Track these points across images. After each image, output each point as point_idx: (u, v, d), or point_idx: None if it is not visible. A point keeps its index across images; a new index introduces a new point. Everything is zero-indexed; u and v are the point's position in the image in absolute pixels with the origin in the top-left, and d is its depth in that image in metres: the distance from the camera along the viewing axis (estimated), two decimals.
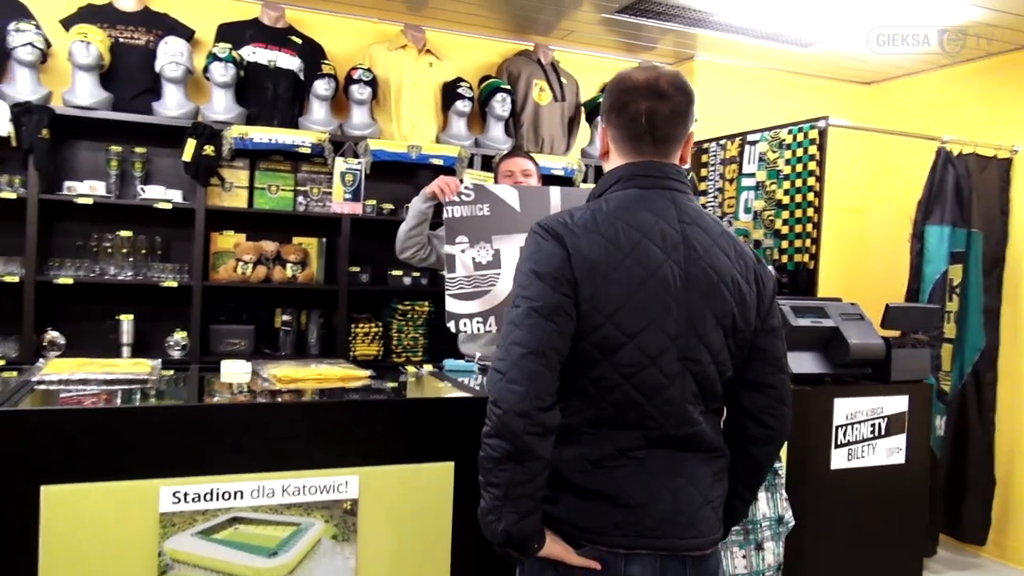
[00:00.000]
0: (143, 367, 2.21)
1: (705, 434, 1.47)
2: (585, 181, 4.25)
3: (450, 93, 4.08)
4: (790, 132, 3.96)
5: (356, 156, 3.81)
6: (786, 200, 3.95)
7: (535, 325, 1.33)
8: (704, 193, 4.51)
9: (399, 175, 4.16)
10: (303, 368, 2.31)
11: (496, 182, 3.02)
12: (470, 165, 4.00)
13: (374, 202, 3.95)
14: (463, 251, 2.70)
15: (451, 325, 2.70)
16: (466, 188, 2.74)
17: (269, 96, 3.78)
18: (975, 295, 4.18)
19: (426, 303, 3.98)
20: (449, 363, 2.58)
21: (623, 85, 1.49)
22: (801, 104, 4.90)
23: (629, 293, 1.38)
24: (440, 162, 3.93)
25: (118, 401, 1.89)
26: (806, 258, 3.85)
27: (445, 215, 2.73)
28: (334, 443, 1.93)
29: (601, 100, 1.55)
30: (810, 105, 4.88)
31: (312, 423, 1.93)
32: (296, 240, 3.94)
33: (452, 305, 2.70)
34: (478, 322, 2.69)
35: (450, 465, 2.01)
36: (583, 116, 4.50)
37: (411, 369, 2.55)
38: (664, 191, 1.48)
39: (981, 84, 4.49)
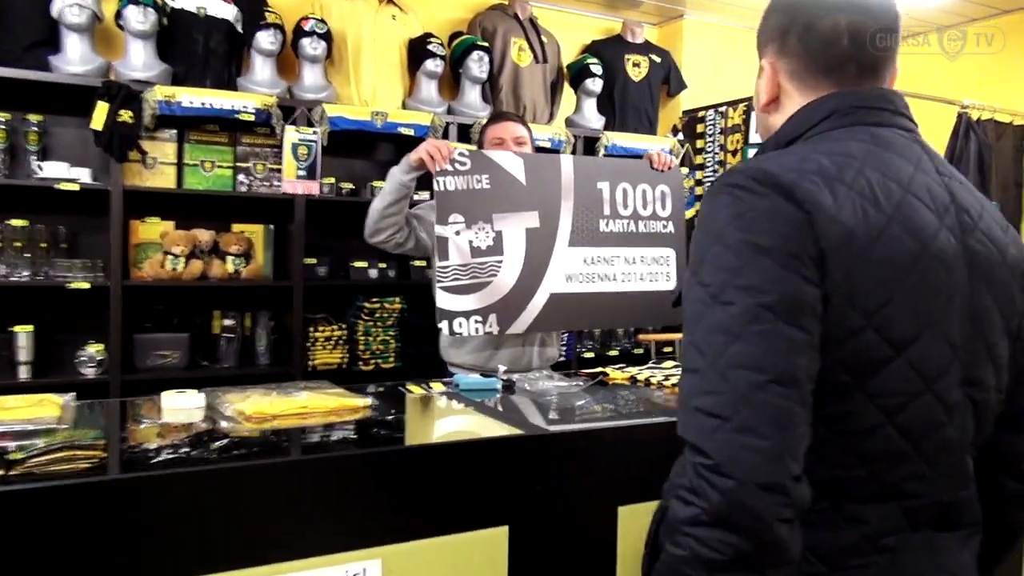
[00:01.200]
0: (49, 409, 1.55)
1: (972, 500, 0.97)
2: (574, 153, 3.70)
3: (418, 51, 3.45)
4: None
5: (311, 125, 3.16)
6: None
7: (771, 332, 0.80)
8: (702, 167, 4.03)
9: (360, 148, 3.52)
10: (278, 398, 1.68)
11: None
12: (444, 135, 3.40)
13: (332, 180, 3.30)
14: (458, 233, 2.16)
15: (443, 325, 2.17)
16: (461, 155, 2.19)
17: (199, 50, 3.08)
18: None
19: (397, 299, 3.37)
20: (462, 380, 2.00)
21: None
22: None
23: (898, 278, 0.85)
24: (410, 132, 3.32)
25: (12, 473, 1.24)
26: None
27: (436, 188, 2.18)
28: (343, 515, 1.34)
29: (765, 22, 1.03)
30: None
31: (309, 488, 1.33)
32: (237, 228, 3.25)
33: (444, 300, 2.17)
34: (476, 321, 2.18)
35: (503, 531, 1.45)
36: (566, 80, 3.95)
37: (414, 388, 1.95)
38: (904, 132, 0.97)
39: (969, 49, 4.16)
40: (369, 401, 1.74)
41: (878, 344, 0.84)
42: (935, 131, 3.91)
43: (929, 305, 0.86)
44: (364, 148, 3.54)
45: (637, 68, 4.07)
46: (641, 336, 3.89)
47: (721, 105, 3.95)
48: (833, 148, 0.91)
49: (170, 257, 3.02)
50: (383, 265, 3.42)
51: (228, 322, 3.20)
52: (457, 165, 2.18)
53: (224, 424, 1.55)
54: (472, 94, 3.58)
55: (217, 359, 3.19)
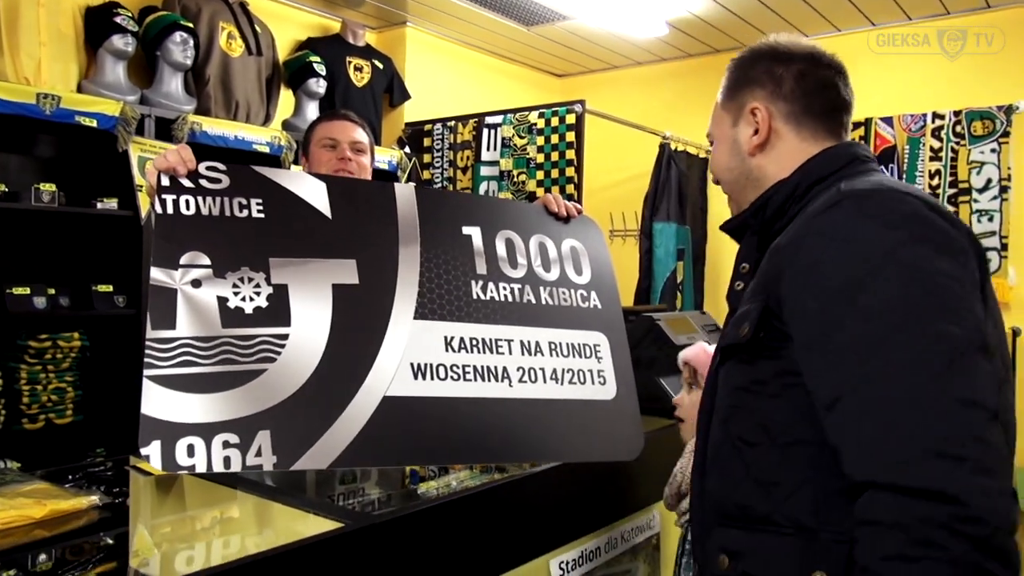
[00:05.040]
0: None
1: None
2: (296, 163, 3.26)
3: (101, 23, 2.76)
4: (542, 116, 3.49)
5: None
6: (540, 192, 3.47)
7: (982, 370, 0.80)
8: (430, 182, 3.83)
9: (19, 140, 2.71)
10: None
11: (308, 157, 1.93)
12: (139, 131, 2.75)
13: None
14: (196, 284, 1.22)
15: (152, 451, 1.10)
16: (212, 167, 1.33)
17: None
18: (689, 292, 4.20)
19: (75, 335, 2.64)
20: None
21: (784, 49, 1.09)
22: (501, 90, 4.53)
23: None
24: (92, 123, 2.61)
25: None
26: None
27: (155, 209, 1.27)
28: None
29: (748, 68, 1.11)
30: (509, 92, 4.56)
31: None
32: None
33: (157, 402, 1.13)
34: (228, 441, 1.14)
35: None
36: (284, 79, 3.49)
37: (151, 469, 1.42)
38: None
39: (667, 85, 4.60)
40: (95, 499, 1.22)
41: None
42: (641, 159, 4.18)
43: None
44: (24, 140, 2.73)
45: (359, 72, 3.75)
46: None
47: (450, 119, 3.79)
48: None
49: None
50: (52, 291, 2.65)
51: None
52: (204, 181, 1.30)
53: None
54: (173, 83, 2.96)
55: None
